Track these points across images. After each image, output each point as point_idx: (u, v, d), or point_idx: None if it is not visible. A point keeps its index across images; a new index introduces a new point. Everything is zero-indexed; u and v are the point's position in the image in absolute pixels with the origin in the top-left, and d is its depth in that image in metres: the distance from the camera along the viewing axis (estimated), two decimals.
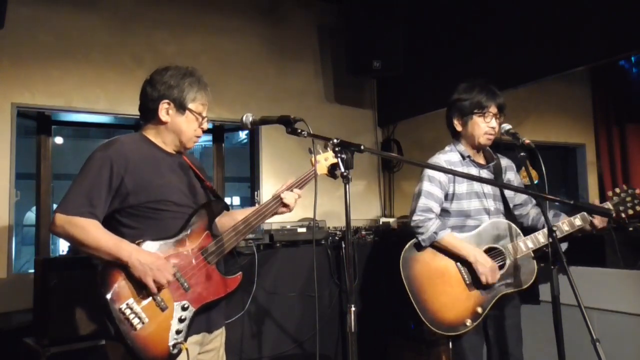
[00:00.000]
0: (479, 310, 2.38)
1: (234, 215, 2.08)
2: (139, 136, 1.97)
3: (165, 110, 1.93)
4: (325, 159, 2.07)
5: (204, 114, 2.00)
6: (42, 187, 3.86)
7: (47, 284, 2.71)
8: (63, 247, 5.64)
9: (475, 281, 2.40)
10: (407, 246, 2.49)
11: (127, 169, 1.81)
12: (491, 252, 2.44)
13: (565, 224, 2.40)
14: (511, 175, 2.62)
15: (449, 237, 2.42)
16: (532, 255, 2.45)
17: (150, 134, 1.98)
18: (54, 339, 2.69)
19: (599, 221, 2.39)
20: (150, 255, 1.77)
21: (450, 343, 2.47)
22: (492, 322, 2.50)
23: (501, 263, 2.43)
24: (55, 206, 1.82)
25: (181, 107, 1.93)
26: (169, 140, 1.97)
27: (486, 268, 2.36)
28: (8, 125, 3.49)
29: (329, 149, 1.98)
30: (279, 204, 2.02)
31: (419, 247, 2.46)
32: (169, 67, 1.97)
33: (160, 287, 1.76)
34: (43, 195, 3.86)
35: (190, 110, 1.94)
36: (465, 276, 2.41)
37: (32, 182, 3.92)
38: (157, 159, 1.92)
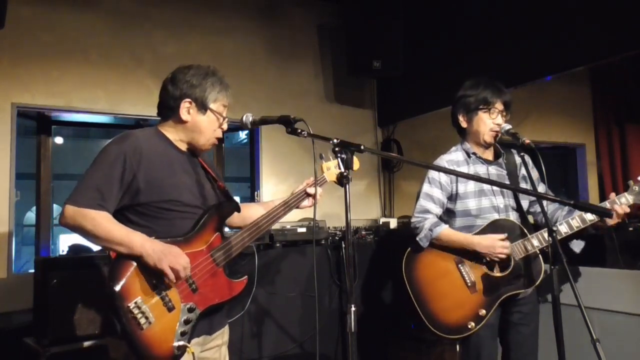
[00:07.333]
0: (482, 312, 2.34)
1: (246, 214, 2.10)
2: (155, 131, 1.94)
3: (186, 110, 1.90)
4: (335, 165, 2.07)
5: (224, 115, 1.97)
6: (42, 187, 3.86)
7: (47, 284, 2.71)
8: (63, 247, 5.64)
9: (477, 282, 2.37)
10: (409, 249, 2.49)
11: (140, 165, 1.79)
12: None
13: (575, 220, 2.31)
14: (526, 171, 2.53)
15: (445, 231, 2.40)
16: (539, 254, 2.36)
17: (168, 130, 1.95)
18: (54, 339, 2.69)
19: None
20: (163, 244, 1.75)
21: (458, 346, 2.42)
22: (511, 329, 2.44)
23: (506, 264, 2.36)
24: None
25: (202, 107, 1.91)
26: (187, 139, 1.95)
27: (484, 246, 2.31)
28: (8, 125, 3.49)
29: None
30: (303, 197, 2.11)
31: (420, 249, 2.46)
32: (191, 66, 1.94)
33: (177, 276, 1.72)
34: (43, 195, 3.85)
35: (212, 111, 1.92)
36: (467, 278, 2.38)
37: (32, 182, 3.91)
38: (170, 157, 1.90)
